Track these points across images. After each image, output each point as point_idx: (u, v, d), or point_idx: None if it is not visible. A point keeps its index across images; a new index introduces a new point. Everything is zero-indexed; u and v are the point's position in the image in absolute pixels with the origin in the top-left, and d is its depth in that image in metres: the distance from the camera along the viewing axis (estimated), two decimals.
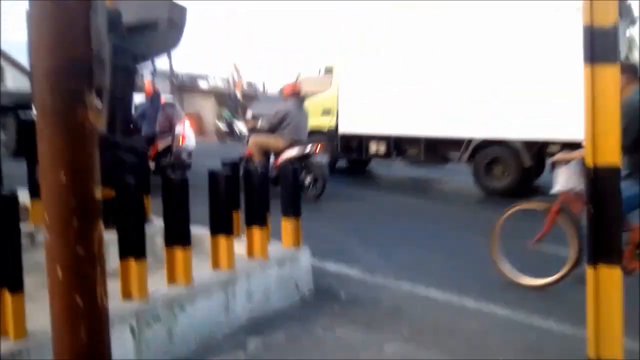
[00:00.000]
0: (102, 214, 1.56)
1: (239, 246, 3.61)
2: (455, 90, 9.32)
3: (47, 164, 1.55)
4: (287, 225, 3.92)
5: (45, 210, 1.57)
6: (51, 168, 1.52)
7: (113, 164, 3.42)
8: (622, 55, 10.12)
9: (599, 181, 2.40)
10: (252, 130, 8.51)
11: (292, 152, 7.64)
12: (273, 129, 7.82)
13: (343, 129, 10.85)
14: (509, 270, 4.35)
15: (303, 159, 7.73)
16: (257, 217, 3.65)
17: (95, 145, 1.57)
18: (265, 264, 3.64)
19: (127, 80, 3.92)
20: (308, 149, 7.74)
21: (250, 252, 3.65)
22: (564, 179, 4.10)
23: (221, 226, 3.35)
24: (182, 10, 4.08)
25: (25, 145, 4.34)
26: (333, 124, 11.08)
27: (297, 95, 8.25)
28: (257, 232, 3.65)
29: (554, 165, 4.29)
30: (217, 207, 3.35)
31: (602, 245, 2.34)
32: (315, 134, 10.53)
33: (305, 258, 3.99)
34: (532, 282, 4.24)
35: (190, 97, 37.23)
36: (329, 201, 7.96)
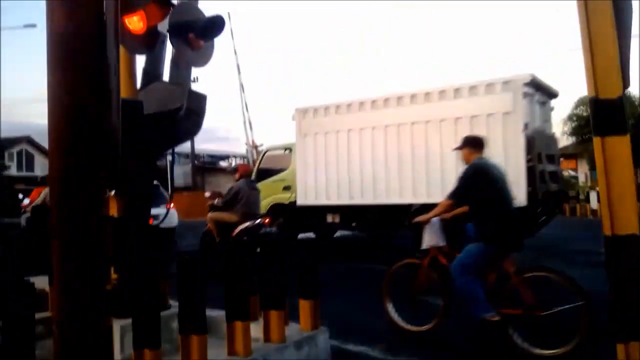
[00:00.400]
0: (118, 302, 1.56)
1: (256, 328, 3.54)
2: (393, 160, 10.10)
3: (59, 258, 1.58)
4: (305, 307, 3.84)
5: (55, 304, 1.58)
6: (62, 263, 1.55)
7: (129, 252, 3.44)
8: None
9: (619, 251, 2.31)
10: (210, 207, 9.18)
11: (243, 225, 8.24)
12: (228, 205, 8.52)
13: (301, 202, 11.46)
14: (396, 318, 4.82)
15: (254, 231, 8.27)
16: (274, 301, 3.60)
17: (107, 242, 1.61)
18: (283, 347, 3.54)
19: (148, 170, 4.01)
20: (258, 221, 8.34)
21: (267, 336, 3.57)
22: (428, 237, 4.57)
23: (237, 312, 3.30)
24: (201, 98, 4.19)
25: (44, 232, 4.41)
26: (293, 198, 11.72)
27: (249, 175, 9.08)
28: (274, 315, 3.58)
29: (413, 226, 4.73)
30: (233, 292, 3.31)
31: (629, 321, 2.21)
32: (277, 208, 11.50)
33: (323, 339, 3.88)
34: (413, 329, 4.72)
35: (212, 176, 38.05)
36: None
